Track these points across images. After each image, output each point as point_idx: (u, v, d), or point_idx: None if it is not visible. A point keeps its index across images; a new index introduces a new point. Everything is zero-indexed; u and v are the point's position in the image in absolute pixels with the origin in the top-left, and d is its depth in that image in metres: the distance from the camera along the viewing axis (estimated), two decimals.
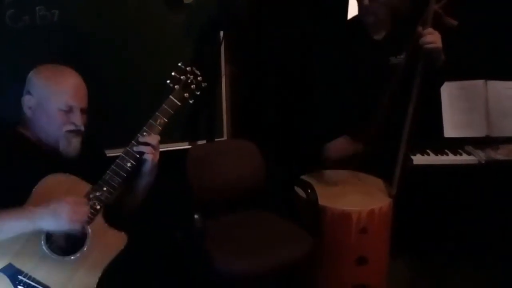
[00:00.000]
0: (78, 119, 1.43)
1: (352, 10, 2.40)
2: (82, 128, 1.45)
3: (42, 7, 1.90)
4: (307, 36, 2.53)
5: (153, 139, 1.48)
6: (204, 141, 2.39)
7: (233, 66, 2.43)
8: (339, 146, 2.19)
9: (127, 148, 1.46)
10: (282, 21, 2.51)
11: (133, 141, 1.47)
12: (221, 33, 2.33)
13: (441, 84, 2.26)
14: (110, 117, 2.05)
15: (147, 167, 1.51)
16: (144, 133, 1.48)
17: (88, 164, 1.46)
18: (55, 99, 1.40)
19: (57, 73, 1.45)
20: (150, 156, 1.47)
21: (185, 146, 2.33)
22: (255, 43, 2.51)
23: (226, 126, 2.47)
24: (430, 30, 1.89)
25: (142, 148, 1.46)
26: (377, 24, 2.10)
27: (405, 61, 2.03)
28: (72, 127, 1.42)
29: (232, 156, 2.19)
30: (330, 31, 2.29)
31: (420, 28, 1.91)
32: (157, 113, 1.51)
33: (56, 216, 1.24)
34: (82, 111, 1.46)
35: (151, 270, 1.78)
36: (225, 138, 2.48)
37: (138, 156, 1.46)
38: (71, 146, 1.43)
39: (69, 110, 1.41)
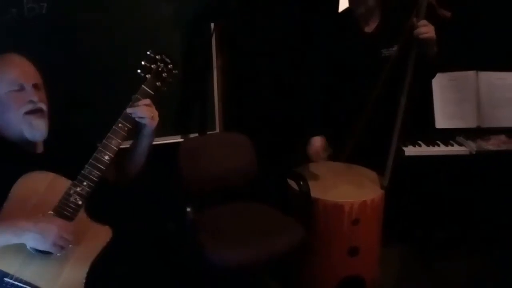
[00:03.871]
0: (32, 95, 1.34)
1: (344, 2, 2.39)
2: (42, 106, 1.36)
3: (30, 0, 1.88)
4: (299, 27, 2.52)
5: (144, 103, 1.47)
6: (196, 134, 2.39)
7: (224, 58, 2.41)
8: (316, 143, 2.19)
9: (104, 141, 1.42)
10: (273, 12, 2.50)
11: (109, 134, 1.43)
12: (212, 24, 2.32)
13: (433, 76, 2.26)
14: (98, 109, 2.03)
15: (148, 130, 1.51)
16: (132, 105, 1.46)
17: (72, 157, 1.41)
18: (3, 83, 1.33)
19: None
20: (148, 121, 1.47)
21: (177, 139, 2.32)
22: (246, 34, 2.49)
23: (218, 119, 2.47)
24: (424, 22, 1.89)
25: (139, 115, 1.45)
26: (367, 15, 2.09)
27: (397, 53, 2.03)
28: (29, 107, 1.34)
29: (224, 148, 2.18)
30: (321, 22, 2.28)
31: (414, 20, 1.91)
32: (131, 103, 1.48)
33: (41, 237, 1.23)
34: (36, 87, 1.37)
35: (144, 262, 1.78)
36: (217, 131, 2.47)
37: (116, 148, 1.43)
38: (35, 129, 1.35)
39: (20, 89, 1.34)
